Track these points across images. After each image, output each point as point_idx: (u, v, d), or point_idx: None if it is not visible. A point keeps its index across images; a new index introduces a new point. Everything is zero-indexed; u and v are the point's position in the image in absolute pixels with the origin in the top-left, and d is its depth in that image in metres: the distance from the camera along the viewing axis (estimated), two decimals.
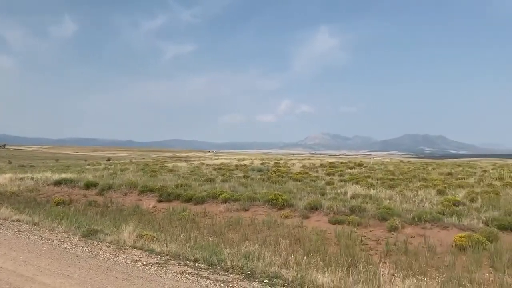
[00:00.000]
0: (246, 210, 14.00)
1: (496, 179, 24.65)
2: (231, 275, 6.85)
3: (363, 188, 18.27)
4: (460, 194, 15.98)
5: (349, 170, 33.17)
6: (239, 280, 6.56)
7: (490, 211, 12.28)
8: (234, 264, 7.38)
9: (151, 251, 8.32)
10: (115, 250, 8.41)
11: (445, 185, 19.20)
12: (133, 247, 8.66)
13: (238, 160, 54.93)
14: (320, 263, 7.56)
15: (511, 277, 7.03)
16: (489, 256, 8.22)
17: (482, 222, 10.83)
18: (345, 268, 7.18)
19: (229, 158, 64.31)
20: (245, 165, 40.27)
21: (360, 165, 41.86)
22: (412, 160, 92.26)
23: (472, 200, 14.46)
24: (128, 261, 7.57)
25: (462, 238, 8.94)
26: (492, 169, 37.53)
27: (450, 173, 29.97)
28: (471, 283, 6.65)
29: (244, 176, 25.13)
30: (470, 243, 8.72)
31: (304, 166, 39.25)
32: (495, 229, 9.82)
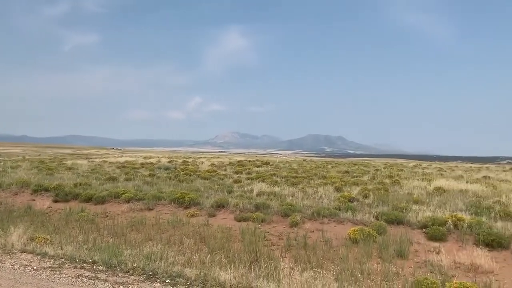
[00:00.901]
0: (151, 209, 13.61)
1: (387, 177, 27.08)
2: (132, 276, 6.61)
3: (268, 185, 18.84)
4: (355, 191, 17.25)
5: (256, 169, 33.97)
6: (140, 282, 6.35)
7: (380, 206, 13.43)
8: (135, 265, 7.13)
9: (44, 255, 7.70)
10: (1, 255, 7.64)
11: (342, 183, 20.58)
12: (23, 251, 7.95)
13: (144, 158, 53.18)
14: (224, 260, 7.62)
15: (395, 266, 7.76)
16: (378, 247, 8.98)
17: (373, 217, 11.81)
18: (248, 264, 7.32)
19: (134, 156, 61.93)
20: (151, 163, 39.13)
21: (267, 163, 43.09)
22: (315, 159, 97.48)
23: (365, 196, 15.70)
24: (16, 266, 6.92)
25: (355, 232, 9.64)
26: (383, 168, 41.18)
27: (347, 172, 32.20)
28: (362, 273, 7.19)
29: (149, 175, 24.41)
30: (362, 236, 9.44)
31: (213, 164, 39.29)
32: (384, 223, 10.77)
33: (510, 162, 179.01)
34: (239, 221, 11.98)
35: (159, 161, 42.88)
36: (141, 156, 62.23)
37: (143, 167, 33.13)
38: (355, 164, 50.33)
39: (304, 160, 68.35)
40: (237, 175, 25.94)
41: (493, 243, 9.25)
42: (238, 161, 45.28)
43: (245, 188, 17.88)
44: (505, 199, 15.59)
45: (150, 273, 6.78)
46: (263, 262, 7.30)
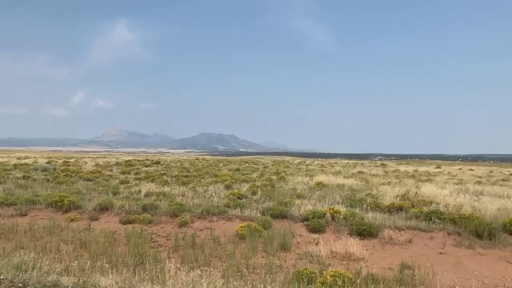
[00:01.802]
0: (24, 215, 12.33)
1: (274, 173, 28.33)
2: None
3: (158, 185, 18.38)
4: (244, 188, 17.73)
5: (145, 168, 32.91)
6: None
7: (267, 202, 14.01)
8: (2, 277, 6.37)
9: None
10: None
11: (233, 180, 20.99)
12: None
13: (19, 158, 48.01)
14: (106, 265, 7.21)
15: (279, 259, 8.15)
16: (263, 242, 9.32)
17: (260, 212, 12.26)
18: (132, 268, 7.05)
19: (7, 156, 55.49)
20: (26, 164, 35.43)
21: (157, 162, 42.00)
22: (207, 157, 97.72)
23: (254, 193, 16.23)
24: None
25: (243, 228, 9.89)
26: (271, 165, 42.96)
27: (237, 169, 32.94)
28: (247, 268, 7.41)
29: (24, 177, 22.09)
30: (249, 232, 9.72)
31: (97, 164, 37.02)
32: (270, 218, 11.23)
33: (381, 158, 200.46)
34: (125, 223, 11.48)
35: (36, 162, 39.04)
36: (14, 156, 56.00)
37: (16, 168, 29.88)
38: (246, 162, 51.72)
39: (196, 159, 68.09)
40: (124, 176, 24.84)
41: (364, 232, 10.25)
42: (126, 161, 43.38)
43: (133, 189, 17.20)
44: (375, 191, 17.40)
45: (20, 284, 6.12)
46: (148, 265, 7.08)
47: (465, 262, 8.55)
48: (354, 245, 8.97)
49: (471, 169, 52.54)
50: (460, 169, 53.49)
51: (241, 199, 14.56)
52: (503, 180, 32.11)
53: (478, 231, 10.25)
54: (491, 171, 47.84)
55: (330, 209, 12.04)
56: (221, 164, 42.81)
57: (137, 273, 6.78)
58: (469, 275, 7.80)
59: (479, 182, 27.21)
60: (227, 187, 18.41)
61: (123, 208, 12.61)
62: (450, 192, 17.30)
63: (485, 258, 8.93)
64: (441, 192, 16.69)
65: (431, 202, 14.28)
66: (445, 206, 13.84)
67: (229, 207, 12.83)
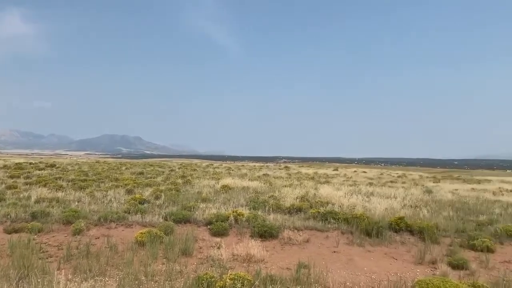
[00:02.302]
0: None
1: (180, 177, 27.89)
2: None
3: (51, 191, 16.98)
4: (147, 193, 17.16)
5: (38, 172, 30.27)
6: None
7: (170, 207, 13.70)
8: None
9: None
10: None
11: (135, 184, 20.21)
12: None
13: None
14: None
15: (180, 264, 8.00)
16: (164, 248, 9.09)
17: (163, 217, 11.95)
18: (15, 282, 6.40)
19: None
20: None
21: (52, 165, 38.92)
22: (109, 160, 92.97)
23: (157, 197, 15.78)
24: None
25: (143, 234, 9.54)
26: (178, 168, 42.27)
27: (141, 173, 31.82)
28: (146, 276, 7.15)
29: None
30: (149, 238, 9.40)
31: None
32: (172, 223, 11.00)
33: (286, 161, 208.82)
34: (10, 233, 10.38)
35: None
36: None
37: None
38: (151, 165, 50.17)
39: (97, 162, 64.40)
40: (13, 180, 22.53)
41: (265, 234, 10.52)
42: (16, 164, 39.48)
43: (21, 195, 15.66)
44: (277, 193, 18.01)
45: None
46: (35, 277, 6.48)
47: (356, 259, 9.20)
48: (255, 247, 9.14)
49: (364, 172, 57.07)
50: (355, 171, 57.80)
51: (143, 204, 14.06)
52: (391, 182, 35.36)
53: (368, 230, 11.13)
54: (381, 174, 52.44)
55: (233, 212, 12.17)
56: (123, 168, 41.00)
57: (20, 287, 6.18)
58: (359, 272, 8.40)
59: (370, 184, 29.61)
60: (129, 191, 17.66)
61: (9, 216, 11.43)
62: (345, 193, 18.59)
63: (373, 255, 9.71)
64: (336, 193, 17.83)
65: (327, 203, 15.18)
66: (340, 206, 14.81)
67: (129, 213, 12.31)
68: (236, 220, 11.69)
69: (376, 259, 9.43)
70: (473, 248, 10.38)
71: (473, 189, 29.36)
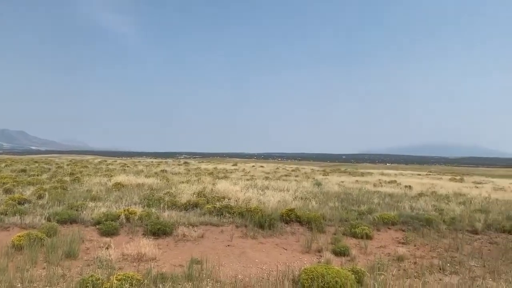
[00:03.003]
0: None
1: (68, 174, 25.98)
2: None
3: None
4: (29, 192, 15.69)
5: None
6: None
7: (55, 207, 12.68)
8: None
9: None
10: None
11: (15, 183, 18.34)
12: None
13: None
14: None
15: (63, 268, 7.46)
16: (46, 251, 8.38)
17: (45, 218, 11.00)
18: None
19: None
20: None
21: None
22: None
23: (40, 196, 14.49)
24: None
25: (21, 238, 8.69)
26: (67, 165, 39.36)
27: (24, 170, 28.99)
28: (22, 283, 6.54)
29: None
30: (28, 241, 8.60)
31: None
32: (56, 224, 10.20)
33: (186, 157, 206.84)
34: None
35: None
36: None
37: None
38: (36, 162, 46.06)
39: None
40: None
41: (159, 231, 10.30)
42: None
43: None
44: (174, 190, 17.75)
45: None
46: None
47: (248, 252, 9.47)
48: (147, 246, 8.89)
49: (262, 166, 59.02)
50: (253, 166, 59.47)
51: (23, 204, 12.80)
52: (286, 175, 37.07)
53: (261, 222, 11.53)
54: (277, 168, 54.71)
55: (125, 210, 11.69)
56: (3, 165, 36.96)
57: None
58: (251, 264, 8.66)
59: (267, 178, 30.72)
60: (7, 191, 15.94)
61: None
62: (241, 187, 19.01)
63: (265, 247, 10.09)
64: (233, 188, 18.14)
65: (224, 198, 15.37)
66: (236, 200, 15.11)
67: (6, 214, 11.12)
68: (128, 218, 11.25)
69: (267, 250, 9.82)
70: (354, 235, 11.35)
71: (357, 181, 32.06)
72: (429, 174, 55.50)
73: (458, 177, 46.62)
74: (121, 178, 22.02)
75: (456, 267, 9.07)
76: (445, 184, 31.96)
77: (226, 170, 42.29)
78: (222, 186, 18.93)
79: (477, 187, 30.15)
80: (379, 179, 35.37)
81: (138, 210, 11.99)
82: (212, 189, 18.18)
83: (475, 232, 12.63)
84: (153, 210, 12.61)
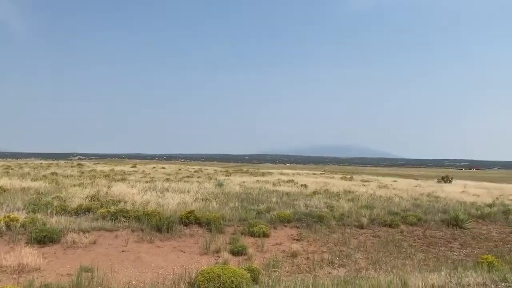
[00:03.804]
0: None
1: None
2: None
3: None
4: None
5: None
6: None
7: None
8: None
9: None
10: None
11: None
12: None
13: None
14: None
15: None
16: None
17: None
18: None
19: None
20: None
21: None
22: None
23: None
24: None
25: None
26: None
27: None
28: None
29: None
30: None
31: None
32: None
33: (81, 158, 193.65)
34: None
35: None
36: None
37: None
38: None
39: None
40: None
41: (45, 239, 9.45)
42: None
43: None
44: (64, 194, 16.46)
45: None
46: None
47: (144, 256, 9.14)
48: (29, 255, 8.12)
49: (163, 168, 57.60)
50: (154, 167, 57.78)
51: None
52: (188, 176, 36.66)
53: (159, 226, 11.21)
54: (179, 169, 53.86)
55: (6, 217, 10.53)
56: None
57: None
58: (146, 269, 8.38)
59: (167, 179, 30.05)
60: None
61: None
62: (139, 190, 18.31)
63: (162, 250, 9.83)
64: (131, 190, 17.43)
65: (119, 201, 14.65)
66: (133, 204, 14.51)
67: None
68: (8, 226, 10.14)
69: (164, 254, 9.59)
70: (252, 234, 11.62)
71: (257, 181, 32.92)
72: (323, 174, 59.26)
73: (348, 176, 50.55)
74: (2, 181, 19.81)
75: (344, 260, 9.79)
76: (337, 183, 34.32)
77: (124, 172, 40.48)
78: (118, 189, 18.06)
79: (364, 185, 32.91)
80: (279, 179, 36.74)
81: (21, 216, 10.89)
82: (107, 192, 17.23)
83: (361, 226, 13.79)
84: (39, 216, 11.53)
